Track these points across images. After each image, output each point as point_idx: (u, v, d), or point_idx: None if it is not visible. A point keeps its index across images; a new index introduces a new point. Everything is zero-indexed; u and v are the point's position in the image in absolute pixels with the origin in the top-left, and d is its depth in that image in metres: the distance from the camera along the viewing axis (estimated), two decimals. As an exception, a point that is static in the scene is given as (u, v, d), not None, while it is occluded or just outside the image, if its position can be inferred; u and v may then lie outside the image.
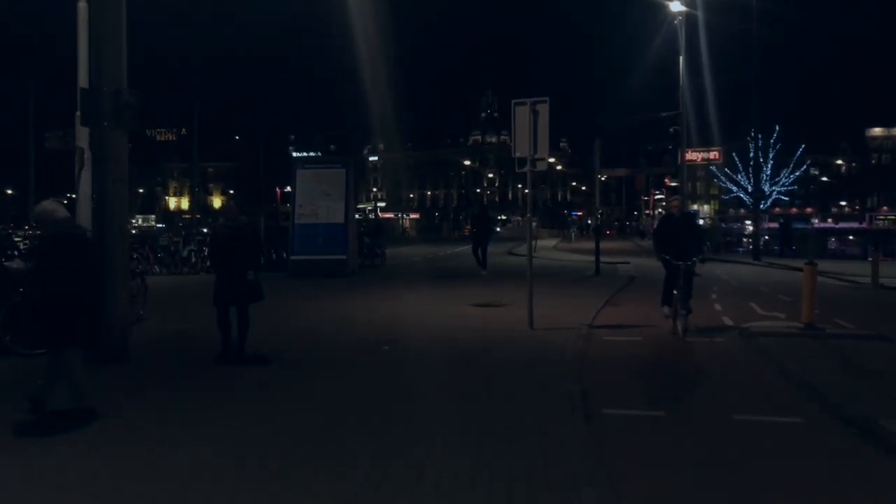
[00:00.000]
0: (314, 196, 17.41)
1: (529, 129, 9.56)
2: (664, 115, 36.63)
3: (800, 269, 22.07)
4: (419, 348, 8.32)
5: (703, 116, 36.77)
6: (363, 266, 20.29)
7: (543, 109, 9.56)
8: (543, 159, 9.60)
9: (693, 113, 40.25)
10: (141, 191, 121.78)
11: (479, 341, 8.72)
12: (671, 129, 35.55)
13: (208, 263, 18.08)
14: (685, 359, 8.39)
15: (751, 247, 50.92)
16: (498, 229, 77.76)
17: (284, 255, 18.02)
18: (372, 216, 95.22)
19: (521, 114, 9.64)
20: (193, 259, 18.00)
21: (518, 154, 9.71)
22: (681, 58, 35.05)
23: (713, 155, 47.63)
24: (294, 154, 77.36)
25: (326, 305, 12.20)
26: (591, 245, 38.43)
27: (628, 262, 23.84)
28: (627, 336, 9.37)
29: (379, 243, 21.85)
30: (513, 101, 9.70)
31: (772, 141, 77.45)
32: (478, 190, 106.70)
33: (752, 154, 37.06)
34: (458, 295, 13.66)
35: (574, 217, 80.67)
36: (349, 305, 12.24)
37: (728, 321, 10.75)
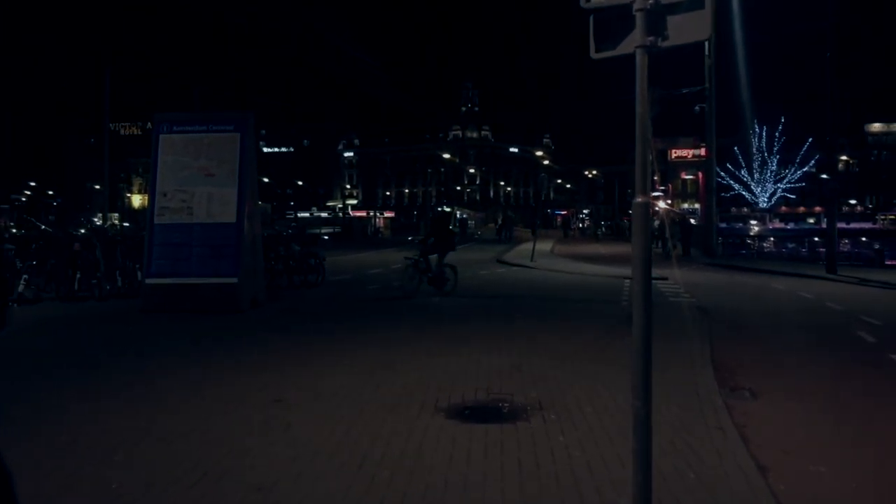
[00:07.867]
0: (187, 177, 10.45)
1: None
2: (685, 91, 30.32)
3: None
4: None
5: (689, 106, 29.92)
6: (283, 289, 13.37)
7: None
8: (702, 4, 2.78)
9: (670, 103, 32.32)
10: (98, 187, 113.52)
11: None
12: (696, 108, 29.32)
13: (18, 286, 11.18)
14: None
15: (756, 250, 44.84)
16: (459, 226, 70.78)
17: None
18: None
19: None
20: (22, 286, 10.96)
21: None
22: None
23: (701, 151, 45.73)
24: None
25: (92, 444, 5.25)
26: (600, 249, 31.97)
27: (666, 278, 17.19)
28: None
29: (314, 253, 14.89)
30: None
31: (776, 133, 71.79)
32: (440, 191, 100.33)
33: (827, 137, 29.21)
34: (422, 370, 6.79)
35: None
36: (162, 442, 5.35)
37: None
